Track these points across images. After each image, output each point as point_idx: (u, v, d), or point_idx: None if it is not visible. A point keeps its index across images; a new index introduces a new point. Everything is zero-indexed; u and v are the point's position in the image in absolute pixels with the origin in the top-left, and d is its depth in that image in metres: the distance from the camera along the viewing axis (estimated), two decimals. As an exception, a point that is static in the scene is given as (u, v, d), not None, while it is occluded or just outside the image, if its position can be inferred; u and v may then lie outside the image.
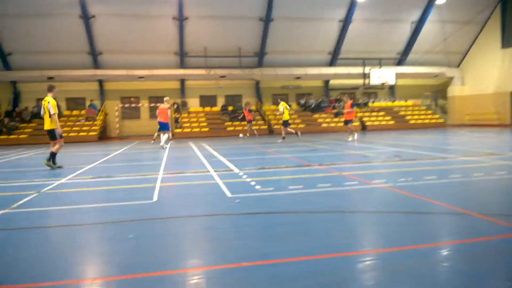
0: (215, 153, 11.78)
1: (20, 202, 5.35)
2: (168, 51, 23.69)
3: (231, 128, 23.75)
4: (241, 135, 20.77)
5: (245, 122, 20.96)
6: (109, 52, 23.12)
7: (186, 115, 24.99)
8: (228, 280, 2.72)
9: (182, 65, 24.21)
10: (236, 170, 7.89)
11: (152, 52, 23.46)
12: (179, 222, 4.33)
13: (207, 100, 26.66)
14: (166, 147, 14.11)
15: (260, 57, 24.72)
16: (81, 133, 22.03)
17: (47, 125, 9.03)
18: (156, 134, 14.45)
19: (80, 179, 7.46)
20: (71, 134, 21.93)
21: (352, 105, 15.69)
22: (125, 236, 3.78)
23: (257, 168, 8.22)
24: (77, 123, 23.06)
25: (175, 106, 24.84)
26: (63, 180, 7.27)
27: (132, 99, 25.71)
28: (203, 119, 24.85)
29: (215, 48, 23.74)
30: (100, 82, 24.56)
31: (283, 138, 16.41)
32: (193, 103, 26.23)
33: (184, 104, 25.55)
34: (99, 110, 24.16)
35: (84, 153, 13.92)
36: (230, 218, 4.40)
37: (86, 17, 21.02)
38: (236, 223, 4.18)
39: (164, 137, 14.35)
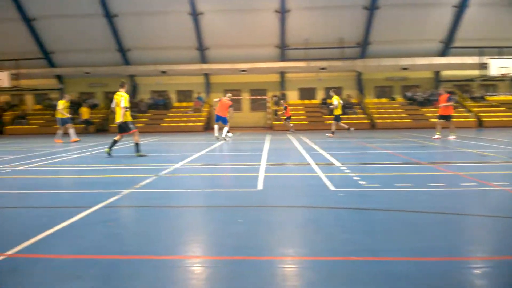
0: (315, 146, 11.72)
1: (142, 183, 5.96)
2: (269, 44, 24.12)
3: (330, 122, 23.36)
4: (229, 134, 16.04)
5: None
6: (215, 47, 24.36)
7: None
8: (337, 271, 2.70)
9: (283, 57, 24.46)
10: (337, 164, 7.76)
11: (254, 46, 24.10)
12: (284, 211, 4.41)
13: (306, 93, 26.60)
14: (229, 138, 14.77)
15: (363, 48, 23.84)
16: (189, 124, 23.66)
17: (118, 118, 9.57)
18: (217, 126, 15.33)
19: (191, 166, 8.04)
20: (180, 124, 23.71)
21: (449, 99, 13.84)
22: (234, 220, 3.98)
23: (360, 163, 7.97)
24: (186, 114, 24.81)
25: (275, 99, 25.26)
26: (177, 166, 7.91)
27: (234, 92, 26.79)
28: (302, 111, 24.87)
29: (316, 40, 23.51)
30: (206, 76, 26.03)
31: (332, 133, 16.22)
32: (292, 96, 26.37)
33: (283, 97, 25.84)
34: (204, 102, 25.68)
35: (192, 142, 14.94)
36: (334, 211, 4.35)
37: (195, 14, 22.40)
38: (341, 217, 4.12)
39: (224, 130, 14.87)
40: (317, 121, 23.52)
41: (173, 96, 26.93)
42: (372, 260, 2.88)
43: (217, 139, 14.88)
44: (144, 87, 27.01)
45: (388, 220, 3.96)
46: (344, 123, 17.38)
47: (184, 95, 27.19)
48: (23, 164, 8.70)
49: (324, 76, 25.40)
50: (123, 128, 9.67)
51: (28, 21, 23.27)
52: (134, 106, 25.68)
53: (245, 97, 25.99)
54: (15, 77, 24.24)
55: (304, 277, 2.64)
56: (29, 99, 28.32)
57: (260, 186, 5.69)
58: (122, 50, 24.56)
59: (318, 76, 25.26)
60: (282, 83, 25.95)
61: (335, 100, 16.06)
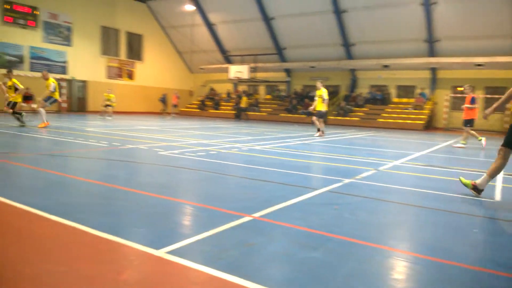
0: None
1: (363, 175, 6.04)
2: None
3: None
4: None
5: None
6: (447, 39, 22.18)
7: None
8: None
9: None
10: None
11: (489, 37, 20.80)
12: (534, 230, 3.71)
13: None
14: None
15: None
16: (408, 121, 22.49)
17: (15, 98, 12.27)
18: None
19: (412, 164, 7.65)
20: (398, 120, 22.78)
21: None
22: (467, 227, 3.60)
23: None
24: (405, 110, 23.66)
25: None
26: (396, 163, 7.68)
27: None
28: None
29: None
30: (433, 70, 24.06)
31: (319, 130, 13.82)
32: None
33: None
34: (428, 99, 23.87)
35: (411, 140, 14.18)
36: None
37: (427, 4, 20.87)
38: None
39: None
40: None
41: (392, 91, 26.07)
42: None
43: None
44: (364, 81, 27.05)
45: None
46: None
47: (405, 90, 25.90)
48: (258, 144, 10.08)
49: None
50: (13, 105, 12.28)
51: (267, 20, 26.50)
52: (352, 100, 26.13)
53: (479, 96, 22.77)
54: (253, 70, 28.07)
55: None
56: (261, 89, 32.42)
57: (497, 197, 4.95)
58: (346, 44, 25.17)
59: None
60: (530, 81, 21.57)
61: (324, 94, 13.44)
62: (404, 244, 3.22)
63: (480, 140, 11.47)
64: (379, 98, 25.69)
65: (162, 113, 28.00)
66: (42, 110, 12.48)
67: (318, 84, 13.79)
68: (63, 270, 2.34)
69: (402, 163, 7.75)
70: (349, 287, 2.28)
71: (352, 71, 26.86)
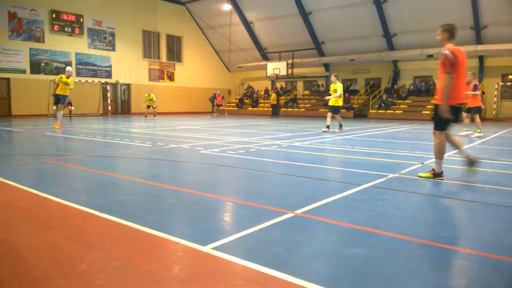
0: None
1: (408, 169, 5.88)
2: None
3: None
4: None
5: None
6: (495, 25, 21.07)
7: None
8: None
9: None
10: None
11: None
12: None
13: None
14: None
15: None
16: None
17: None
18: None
19: (460, 157, 7.32)
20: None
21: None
22: (524, 224, 3.42)
23: None
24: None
25: None
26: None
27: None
28: None
29: None
30: (480, 58, 22.90)
31: (340, 126, 13.52)
32: None
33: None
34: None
35: (459, 133, 13.57)
36: None
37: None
38: None
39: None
40: None
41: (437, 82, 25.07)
42: None
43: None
44: (407, 73, 26.22)
45: None
46: None
47: (453, 80, 24.78)
48: (297, 141, 10.04)
49: None
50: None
51: (305, 15, 26.25)
52: (394, 92, 25.39)
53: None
54: (290, 66, 27.93)
55: None
56: (299, 85, 32.20)
57: (557, 189, 4.65)
58: (387, 35, 24.48)
59: None
60: None
61: (339, 88, 12.91)
62: (453, 240, 3.11)
63: (480, 132, 11.89)
64: (424, 89, 24.79)
65: (212, 112, 28.44)
66: (61, 113, 13.58)
67: (333, 78, 13.33)
68: (118, 265, 2.46)
69: (449, 156, 7.44)
70: (396, 285, 2.24)
71: (394, 62, 26.10)
